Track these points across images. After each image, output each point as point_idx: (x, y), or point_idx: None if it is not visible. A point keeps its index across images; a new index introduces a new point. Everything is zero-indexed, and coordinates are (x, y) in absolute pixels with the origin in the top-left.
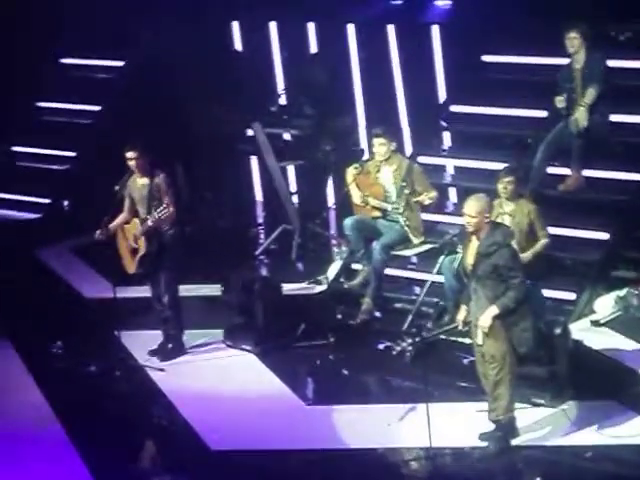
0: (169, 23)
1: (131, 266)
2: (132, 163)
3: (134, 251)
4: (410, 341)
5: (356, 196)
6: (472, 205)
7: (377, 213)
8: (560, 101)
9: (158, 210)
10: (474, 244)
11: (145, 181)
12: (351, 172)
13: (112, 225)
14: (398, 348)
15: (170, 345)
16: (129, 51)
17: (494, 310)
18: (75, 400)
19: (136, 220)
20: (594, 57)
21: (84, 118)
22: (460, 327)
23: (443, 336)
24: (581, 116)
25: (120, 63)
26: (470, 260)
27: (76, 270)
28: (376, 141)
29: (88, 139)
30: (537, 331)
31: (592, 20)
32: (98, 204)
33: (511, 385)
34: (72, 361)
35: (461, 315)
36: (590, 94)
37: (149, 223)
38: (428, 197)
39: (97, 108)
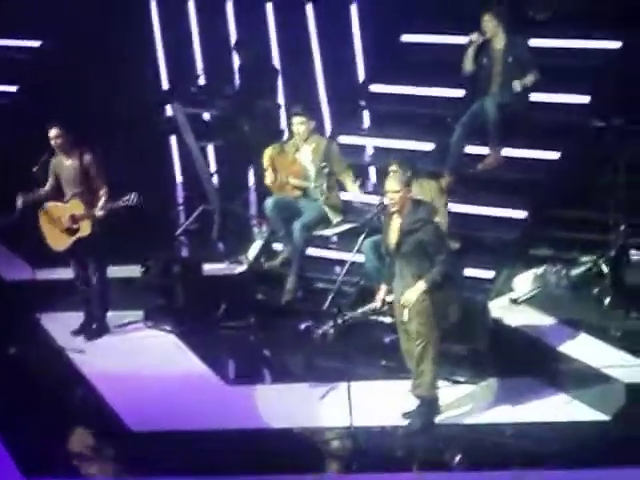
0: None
1: (62, 244)
2: (55, 142)
3: (71, 231)
4: (332, 324)
5: (269, 177)
6: (394, 181)
7: (298, 192)
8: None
9: (124, 199)
10: (396, 222)
11: (72, 162)
12: (268, 153)
13: (35, 195)
14: (319, 331)
15: (94, 325)
16: (46, 30)
17: (422, 286)
18: None
19: (77, 201)
20: (516, 41)
21: (0, 98)
22: (378, 306)
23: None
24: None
25: (37, 43)
26: (393, 238)
27: None
28: (295, 120)
29: (5, 120)
30: (458, 309)
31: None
32: (14, 185)
33: (435, 361)
34: None
35: (381, 294)
36: (529, 79)
37: (102, 212)
38: (350, 180)
39: (13, 89)
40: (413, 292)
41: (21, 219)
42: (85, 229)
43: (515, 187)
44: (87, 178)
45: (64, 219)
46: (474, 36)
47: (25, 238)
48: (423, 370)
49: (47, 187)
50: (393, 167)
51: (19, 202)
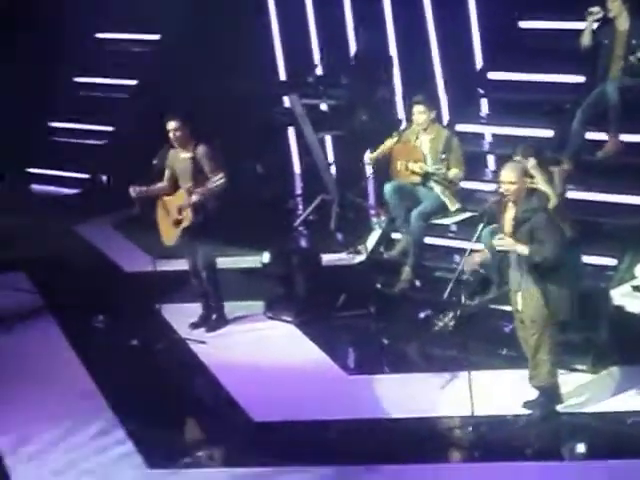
0: None
1: (171, 238)
2: (173, 134)
3: (177, 222)
4: (451, 315)
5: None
6: (510, 172)
7: (416, 179)
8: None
9: (213, 180)
10: (511, 212)
11: (187, 154)
12: (390, 142)
13: (150, 189)
14: (440, 324)
15: (214, 316)
16: (164, 23)
17: (522, 248)
18: (118, 374)
19: (182, 192)
20: None
21: (121, 92)
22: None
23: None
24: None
25: (155, 36)
26: (508, 227)
27: (116, 244)
28: (416, 109)
29: (125, 113)
30: (578, 298)
31: None
32: (137, 178)
33: (552, 350)
34: (114, 335)
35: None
36: None
37: (196, 196)
38: (453, 174)
39: (133, 82)
40: (510, 242)
41: (142, 211)
42: (187, 219)
43: (636, 172)
44: (200, 172)
45: (173, 211)
46: (595, 9)
47: (146, 230)
48: (539, 360)
49: (164, 181)
50: (517, 157)
51: (132, 194)
